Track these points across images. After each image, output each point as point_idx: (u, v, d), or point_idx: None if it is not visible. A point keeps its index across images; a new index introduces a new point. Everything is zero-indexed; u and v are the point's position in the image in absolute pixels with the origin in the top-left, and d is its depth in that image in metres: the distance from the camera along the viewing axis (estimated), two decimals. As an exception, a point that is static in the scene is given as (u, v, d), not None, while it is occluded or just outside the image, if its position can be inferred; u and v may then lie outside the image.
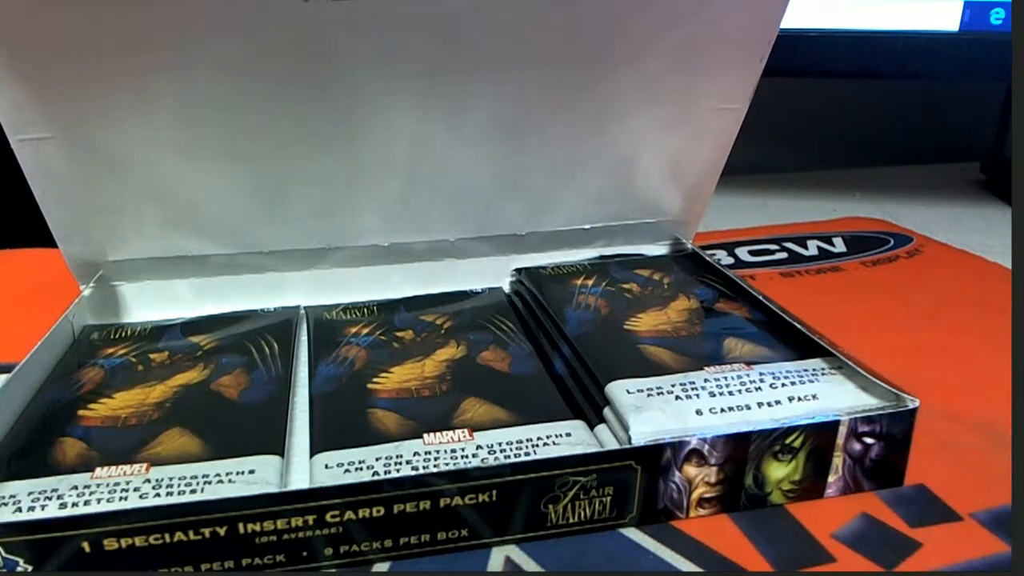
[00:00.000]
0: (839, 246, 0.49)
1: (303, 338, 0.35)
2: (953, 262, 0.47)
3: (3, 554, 0.22)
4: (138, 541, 0.22)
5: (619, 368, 0.29)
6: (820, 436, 0.26)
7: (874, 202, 0.59)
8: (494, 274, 0.40)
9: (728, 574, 0.24)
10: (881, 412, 0.26)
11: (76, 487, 0.24)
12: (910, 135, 0.73)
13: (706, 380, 0.28)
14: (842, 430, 0.26)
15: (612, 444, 0.26)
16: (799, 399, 0.27)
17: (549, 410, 0.28)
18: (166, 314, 0.36)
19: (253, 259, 0.37)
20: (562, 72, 0.34)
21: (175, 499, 0.23)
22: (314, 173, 0.35)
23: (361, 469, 0.25)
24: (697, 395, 0.27)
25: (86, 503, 0.23)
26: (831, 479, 0.27)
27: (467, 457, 0.25)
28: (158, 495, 0.23)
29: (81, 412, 0.28)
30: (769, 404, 0.27)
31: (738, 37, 0.35)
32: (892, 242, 0.50)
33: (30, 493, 0.23)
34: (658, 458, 0.25)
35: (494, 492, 0.24)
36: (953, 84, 0.71)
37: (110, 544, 0.22)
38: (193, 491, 0.24)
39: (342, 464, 0.25)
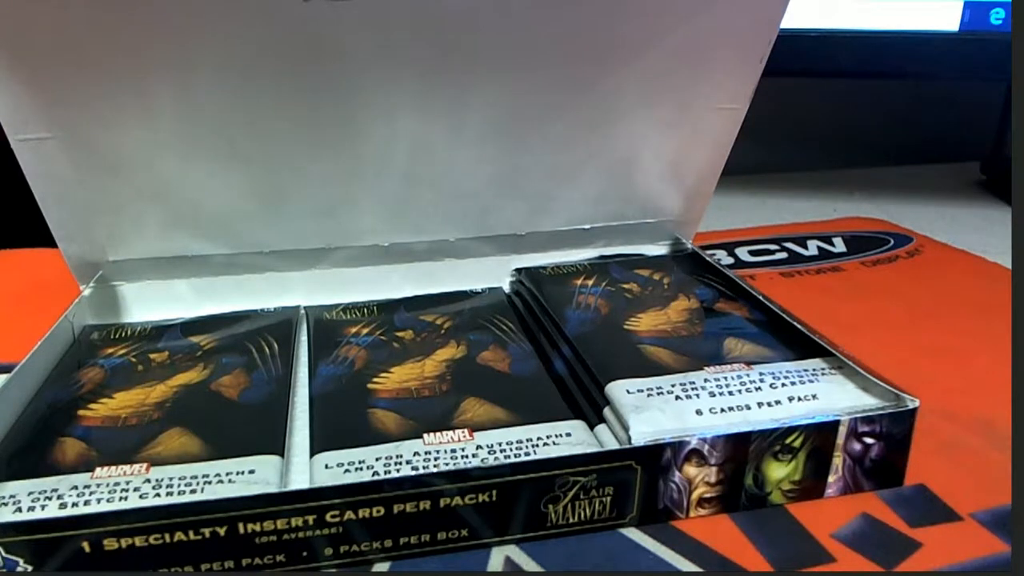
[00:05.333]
0: (839, 246, 0.49)
1: (303, 338, 0.35)
2: (953, 262, 0.47)
3: (3, 554, 0.22)
4: (138, 541, 0.22)
5: (619, 368, 0.29)
6: (820, 436, 0.26)
7: (874, 202, 0.59)
8: (494, 274, 0.40)
9: (728, 574, 0.24)
10: (881, 412, 0.26)
11: (76, 487, 0.24)
12: (910, 135, 0.73)
13: (706, 380, 0.28)
14: (842, 430, 0.26)
15: (612, 444, 0.26)
16: (799, 399, 0.27)
17: (549, 410, 0.28)
18: (166, 314, 0.36)
19: (253, 259, 0.37)
20: (562, 72, 0.34)
21: (175, 499, 0.23)
22: (314, 173, 0.35)
23: (361, 469, 0.25)
24: (697, 395, 0.27)
25: (86, 503, 0.23)
26: (831, 479, 0.27)
27: (467, 457, 0.25)
28: (158, 495, 0.23)
29: (81, 412, 0.28)
30: (769, 404, 0.27)
31: (738, 37, 0.34)
32: (892, 242, 0.50)
33: (30, 493, 0.23)
34: (658, 458, 0.25)
35: (494, 492, 0.24)
36: (953, 84, 0.71)
37: (110, 544, 0.22)
38: (193, 491, 0.24)
39: (342, 464, 0.25)
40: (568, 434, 0.26)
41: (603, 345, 0.31)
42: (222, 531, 0.23)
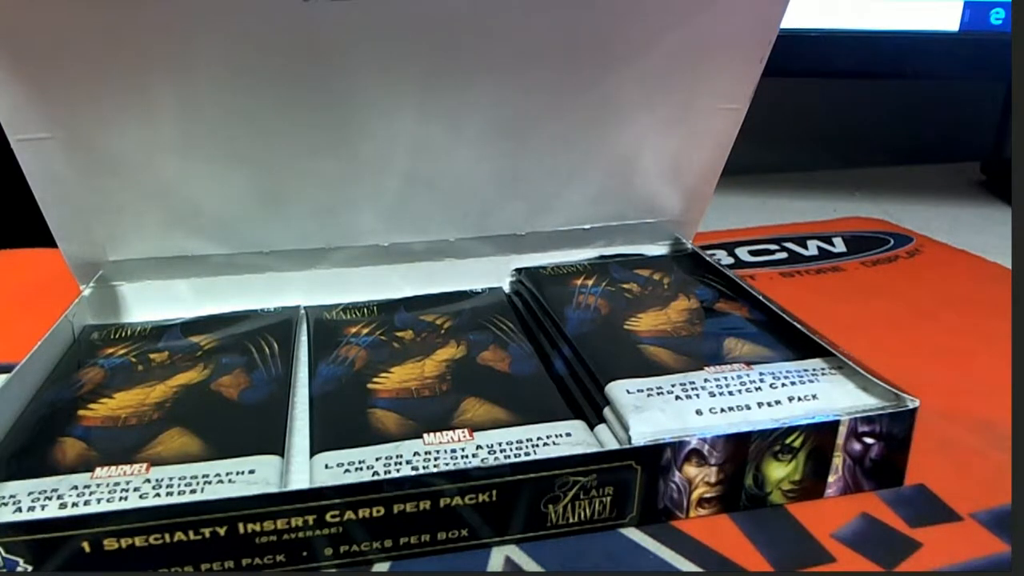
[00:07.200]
0: (839, 246, 0.49)
1: (303, 338, 0.35)
2: (953, 262, 0.47)
3: (3, 554, 0.22)
4: (138, 541, 0.22)
5: (619, 368, 0.29)
6: (820, 436, 0.26)
7: (874, 202, 0.59)
8: (494, 274, 0.40)
9: (728, 574, 0.24)
10: (881, 412, 0.26)
11: (76, 487, 0.24)
12: (910, 135, 0.73)
13: (706, 380, 0.28)
14: (842, 430, 0.26)
15: (612, 444, 0.26)
16: (799, 399, 0.27)
17: (549, 410, 0.28)
18: (166, 314, 0.36)
19: (253, 259, 0.37)
20: (562, 72, 0.34)
21: (175, 499, 0.23)
22: (314, 173, 0.35)
23: (361, 469, 0.25)
24: (697, 395, 0.27)
25: (86, 503, 0.23)
26: (831, 479, 0.27)
27: (467, 457, 0.25)
28: (158, 495, 0.23)
29: (81, 412, 0.28)
30: (769, 404, 0.27)
31: (738, 37, 0.34)
32: (892, 242, 0.50)
33: (30, 493, 0.23)
34: (658, 458, 0.25)
35: (494, 492, 0.24)
36: (953, 84, 0.71)
37: (110, 544, 0.22)
38: (193, 491, 0.24)
39: (342, 464, 0.25)
40: (568, 434, 0.26)
41: (603, 345, 0.31)
42: (222, 531, 0.23)
